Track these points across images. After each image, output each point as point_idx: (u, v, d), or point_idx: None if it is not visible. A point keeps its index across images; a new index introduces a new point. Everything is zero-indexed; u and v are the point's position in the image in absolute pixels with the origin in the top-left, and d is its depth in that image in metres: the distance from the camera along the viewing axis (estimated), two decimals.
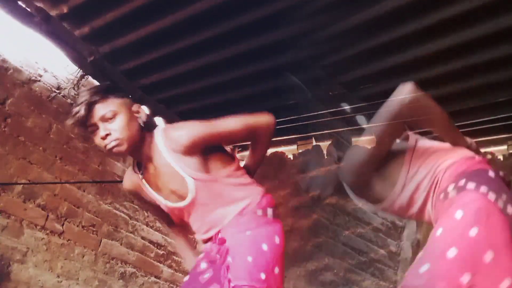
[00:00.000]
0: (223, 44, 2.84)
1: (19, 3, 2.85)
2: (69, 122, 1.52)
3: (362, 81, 2.91)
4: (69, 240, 3.01)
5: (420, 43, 2.51)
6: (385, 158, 1.57)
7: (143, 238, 3.49)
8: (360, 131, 3.53)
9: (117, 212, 3.35)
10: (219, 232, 1.56)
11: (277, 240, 1.50)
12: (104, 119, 1.52)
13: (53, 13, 2.93)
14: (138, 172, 1.68)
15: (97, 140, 1.54)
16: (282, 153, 3.95)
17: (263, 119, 1.64)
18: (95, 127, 1.53)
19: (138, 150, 1.59)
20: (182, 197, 1.58)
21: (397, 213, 1.65)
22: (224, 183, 1.56)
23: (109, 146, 1.51)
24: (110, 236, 3.26)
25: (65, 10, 2.90)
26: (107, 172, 3.35)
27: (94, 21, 2.93)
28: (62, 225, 3.00)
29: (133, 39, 2.96)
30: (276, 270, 1.45)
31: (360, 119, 3.21)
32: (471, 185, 1.33)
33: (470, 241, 1.21)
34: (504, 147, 3.29)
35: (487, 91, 2.74)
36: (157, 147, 1.57)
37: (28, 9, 2.86)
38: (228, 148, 1.75)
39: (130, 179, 1.73)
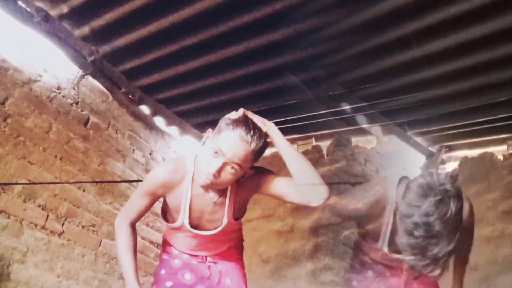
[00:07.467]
0: (223, 44, 2.84)
1: (19, 3, 2.85)
2: None
3: (362, 81, 2.91)
4: (69, 240, 3.01)
5: (420, 43, 2.51)
6: None
7: (143, 238, 3.50)
8: (360, 131, 3.55)
9: (117, 212, 3.35)
10: (207, 256, 1.76)
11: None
12: None
13: (53, 13, 2.93)
14: (191, 184, 1.61)
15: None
16: None
17: None
18: None
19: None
20: (206, 229, 1.66)
21: None
22: (238, 229, 1.81)
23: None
24: (110, 236, 3.26)
25: (65, 10, 2.90)
26: (107, 172, 3.35)
27: (94, 21, 2.93)
28: (62, 225, 3.00)
29: (133, 39, 2.96)
30: None
31: (360, 119, 3.21)
32: None
33: None
34: (504, 147, 3.29)
35: (487, 91, 2.74)
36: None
37: (28, 9, 2.86)
38: None
39: (173, 175, 1.62)
